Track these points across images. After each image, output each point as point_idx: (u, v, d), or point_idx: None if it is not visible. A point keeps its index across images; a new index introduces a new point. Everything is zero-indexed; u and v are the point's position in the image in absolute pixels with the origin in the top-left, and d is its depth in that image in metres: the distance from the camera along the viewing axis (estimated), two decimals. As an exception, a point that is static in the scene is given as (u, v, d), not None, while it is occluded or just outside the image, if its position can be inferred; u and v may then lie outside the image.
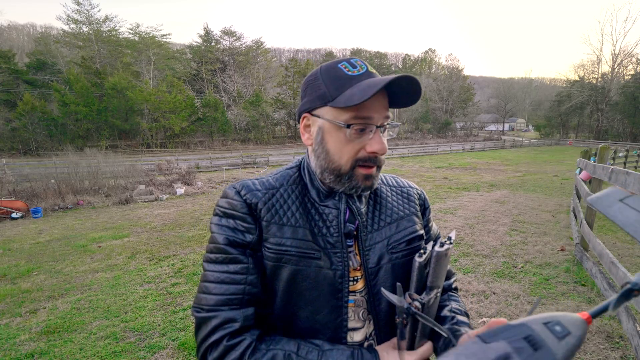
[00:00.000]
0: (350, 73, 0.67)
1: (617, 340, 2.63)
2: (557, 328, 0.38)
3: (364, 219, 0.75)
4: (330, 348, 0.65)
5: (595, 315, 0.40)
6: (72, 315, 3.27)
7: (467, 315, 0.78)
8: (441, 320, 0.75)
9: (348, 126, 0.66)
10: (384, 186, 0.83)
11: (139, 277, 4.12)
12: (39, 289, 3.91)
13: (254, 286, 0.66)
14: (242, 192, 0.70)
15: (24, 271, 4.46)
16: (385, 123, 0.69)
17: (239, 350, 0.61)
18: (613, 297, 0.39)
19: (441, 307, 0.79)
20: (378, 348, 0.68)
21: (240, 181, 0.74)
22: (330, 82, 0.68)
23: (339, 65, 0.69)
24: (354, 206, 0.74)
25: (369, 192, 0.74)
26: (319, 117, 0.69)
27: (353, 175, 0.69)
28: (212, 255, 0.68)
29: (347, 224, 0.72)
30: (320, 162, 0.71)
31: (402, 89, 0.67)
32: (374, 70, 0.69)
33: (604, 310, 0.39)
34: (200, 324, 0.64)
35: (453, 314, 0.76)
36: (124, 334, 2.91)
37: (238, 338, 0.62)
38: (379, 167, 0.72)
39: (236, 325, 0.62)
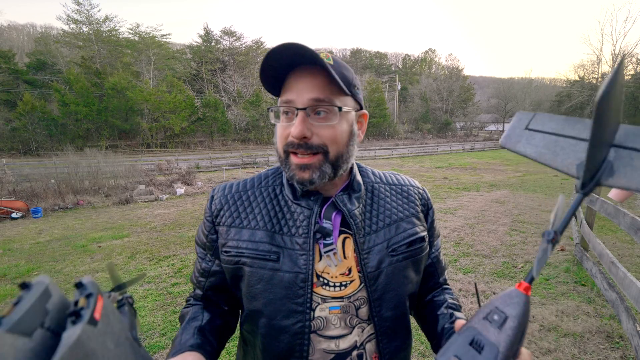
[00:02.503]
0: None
1: (617, 340, 2.63)
2: (495, 317, 0.38)
3: (359, 220, 0.71)
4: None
5: (530, 281, 0.38)
6: (72, 315, 3.27)
7: (459, 306, 0.79)
8: (440, 317, 0.75)
9: (269, 110, 0.69)
10: (383, 185, 0.79)
11: (139, 277, 4.12)
12: (39, 289, 3.91)
13: (199, 284, 0.79)
14: (215, 197, 0.76)
15: (24, 271, 4.46)
16: (316, 105, 0.63)
17: (187, 301, 0.82)
18: (539, 256, 0.37)
19: (437, 302, 0.78)
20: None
21: (223, 183, 0.80)
22: None
23: None
24: (344, 208, 0.70)
25: (311, 186, 0.66)
26: None
27: (288, 163, 0.67)
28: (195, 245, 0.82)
29: (324, 221, 0.69)
30: (275, 148, 0.72)
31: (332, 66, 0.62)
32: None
33: (533, 277, 0.38)
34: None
35: (450, 311, 0.75)
36: (124, 334, 2.91)
37: (189, 298, 0.82)
38: (325, 157, 0.65)
39: (193, 293, 0.81)
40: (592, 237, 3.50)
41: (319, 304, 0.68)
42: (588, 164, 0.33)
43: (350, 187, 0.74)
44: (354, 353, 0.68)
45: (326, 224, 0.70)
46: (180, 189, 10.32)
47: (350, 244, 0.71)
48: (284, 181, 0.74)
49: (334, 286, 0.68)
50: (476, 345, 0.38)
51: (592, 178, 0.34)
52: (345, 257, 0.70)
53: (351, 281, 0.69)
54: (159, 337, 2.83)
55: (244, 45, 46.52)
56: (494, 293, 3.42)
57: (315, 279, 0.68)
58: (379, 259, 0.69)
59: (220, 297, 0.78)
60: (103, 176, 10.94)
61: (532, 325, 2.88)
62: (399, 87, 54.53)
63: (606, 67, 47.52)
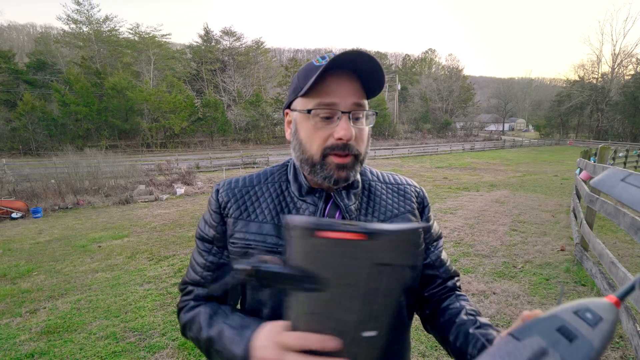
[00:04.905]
0: (317, 64, 0.68)
1: (617, 340, 2.63)
2: (589, 315, 0.36)
3: (354, 216, 0.73)
4: (239, 314, 0.70)
5: (622, 297, 0.38)
6: (72, 315, 3.27)
7: (479, 313, 0.73)
8: (461, 324, 0.70)
9: (309, 112, 0.67)
10: (380, 183, 0.81)
11: (139, 277, 4.12)
12: (39, 289, 3.91)
13: (206, 280, 0.76)
14: (220, 190, 0.77)
15: (24, 271, 4.46)
16: (357, 110, 0.68)
17: (183, 308, 0.78)
18: (638, 277, 0.38)
19: (454, 310, 0.74)
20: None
21: (227, 178, 0.80)
22: (302, 74, 0.70)
23: (313, 60, 0.70)
24: (341, 203, 0.73)
25: (344, 184, 0.71)
26: (294, 110, 0.72)
27: (325, 164, 0.68)
28: (195, 241, 0.80)
29: (327, 219, 0.72)
30: (297, 153, 0.72)
31: (368, 74, 0.67)
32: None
33: (630, 290, 0.38)
34: (180, 290, 0.82)
35: (473, 317, 0.70)
36: (124, 334, 2.91)
37: (186, 302, 0.77)
38: (356, 158, 0.69)
39: (191, 295, 0.77)
40: (592, 237, 3.50)
41: None
42: None
43: (350, 184, 0.75)
44: None
45: None
46: (180, 189, 10.31)
47: None
48: (290, 178, 0.77)
49: None
50: (565, 334, 0.35)
51: None
52: None
53: None
54: (159, 337, 2.83)
55: (244, 45, 46.52)
56: (494, 293, 3.42)
57: None
58: None
59: (226, 294, 0.76)
60: (103, 176, 10.94)
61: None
62: (399, 87, 54.50)
63: (606, 67, 47.51)
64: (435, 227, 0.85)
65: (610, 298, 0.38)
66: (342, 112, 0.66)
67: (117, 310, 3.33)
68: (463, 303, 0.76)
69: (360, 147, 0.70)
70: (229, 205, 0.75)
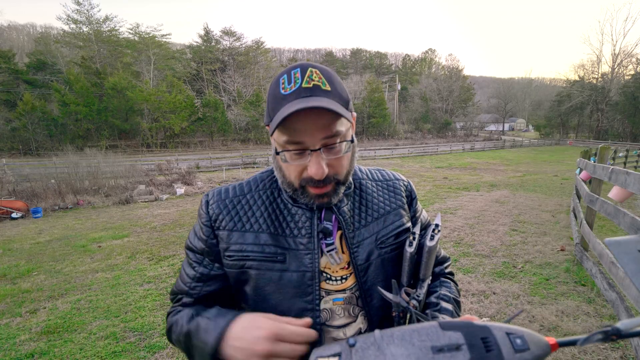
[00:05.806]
0: (283, 92, 0.62)
1: (617, 340, 2.63)
2: (518, 341, 0.39)
3: (348, 217, 0.74)
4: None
5: (562, 344, 0.40)
6: (72, 315, 3.27)
7: (456, 302, 0.77)
8: (426, 306, 0.75)
9: (277, 153, 0.66)
10: (370, 181, 0.82)
11: (139, 277, 4.12)
12: (39, 289, 3.91)
13: (196, 291, 0.74)
14: (210, 202, 0.75)
15: (24, 271, 4.46)
16: (330, 142, 0.63)
17: (170, 313, 0.76)
18: (589, 335, 0.40)
19: (430, 292, 0.79)
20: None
21: (215, 188, 0.78)
22: (270, 100, 0.65)
23: (280, 80, 0.65)
24: (334, 205, 0.73)
25: (328, 206, 0.71)
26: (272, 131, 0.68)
27: (305, 192, 0.68)
28: (185, 251, 0.79)
29: (324, 222, 0.71)
30: (278, 174, 0.72)
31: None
32: (310, 84, 0.62)
33: (572, 343, 0.40)
34: (171, 299, 0.81)
35: (438, 301, 0.75)
36: (124, 334, 2.91)
37: (174, 308, 0.77)
38: (337, 183, 0.68)
39: (179, 302, 0.76)
40: (592, 237, 3.50)
41: (323, 297, 0.70)
42: None
43: None
44: None
45: (327, 224, 0.72)
46: (180, 189, 10.32)
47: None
48: (281, 185, 0.75)
49: (336, 280, 0.71)
50: (486, 344, 0.38)
51: None
52: (343, 252, 0.73)
53: (350, 274, 0.73)
54: (159, 337, 2.83)
55: (244, 45, 46.52)
56: (494, 293, 3.42)
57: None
58: (369, 252, 0.72)
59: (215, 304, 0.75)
60: (103, 176, 10.93)
61: (532, 325, 2.88)
62: (398, 87, 54.52)
63: (606, 67, 47.52)
64: (424, 215, 0.87)
65: (550, 339, 0.41)
66: (312, 150, 0.63)
67: (117, 310, 3.33)
68: (443, 290, 0.79)
69: (340, 173, 0.68)
70: (220, 217, 0.72)
